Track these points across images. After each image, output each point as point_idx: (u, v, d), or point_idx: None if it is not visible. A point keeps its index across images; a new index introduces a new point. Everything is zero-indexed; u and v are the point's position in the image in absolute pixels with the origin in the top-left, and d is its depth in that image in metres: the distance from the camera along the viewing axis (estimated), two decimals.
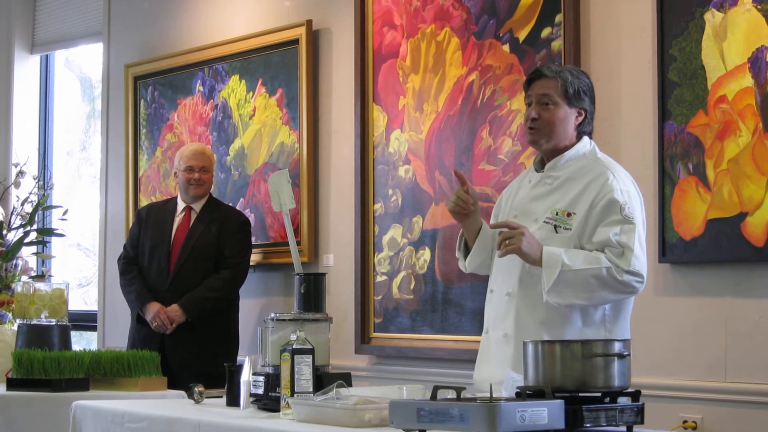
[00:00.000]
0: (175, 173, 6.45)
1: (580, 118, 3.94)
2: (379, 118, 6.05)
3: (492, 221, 4.10)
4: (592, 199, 3.82)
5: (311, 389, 3.78)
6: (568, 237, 3.82)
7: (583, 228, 3.81)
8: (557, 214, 3.86)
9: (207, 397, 4.37)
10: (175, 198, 6.53)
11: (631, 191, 3.86)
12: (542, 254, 3.77)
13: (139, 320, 6.32)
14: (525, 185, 4.05)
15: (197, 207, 6.39)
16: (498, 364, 3.90)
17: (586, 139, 3.97)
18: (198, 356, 6.14)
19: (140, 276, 6.37)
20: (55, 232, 7.27)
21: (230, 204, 6.77)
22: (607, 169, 3.86)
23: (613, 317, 3.87)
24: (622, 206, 3.78)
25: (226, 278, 6.26)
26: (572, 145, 3.94)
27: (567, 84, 3.91)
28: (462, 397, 3.09)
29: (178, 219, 6.39)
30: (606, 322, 3.86)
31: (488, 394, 3.06)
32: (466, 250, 4.16)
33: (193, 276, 6.24)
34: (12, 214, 6.88)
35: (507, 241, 3.79)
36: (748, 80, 4.48)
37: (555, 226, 3.85)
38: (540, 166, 4.00)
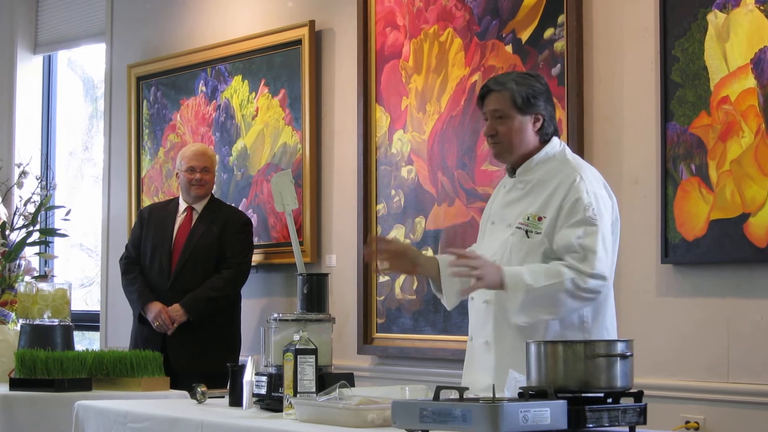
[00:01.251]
0: (177, 174, 6.46)
1: (538, 124, 3.91)
2: (381, 118, 6.06)
3: (481, 227, 4.11)
4: (560, 202, 3.80)
5: (314, 389, 3.78)
6: (538, 241, 3.81)
7: (552, 230, 3.80)
8: (528, 218, 3.84)
9: (210, 397, 4.37)
10: (177, 198, 6.53)
11: (599, 192, 3.82)
12: (504, 278, 3.74)
13: (141, 320, 6.33)
14: (501, 191, 4.05)
15: (199, 207, 6.39)
16: (482, 371, 3.92)
17: (555, 140, 3.95)
18: (200, 356, 6.15)
19: (142, 276, 6.37)
20: (57, 232, 7.27)
21: (232, 204, 6.77)
22: (575, 171, 3.84)
23: (593, 319, 3.84)
24: (586, 207, 3.75)
25: (227, 278, 6.26)
26: (538, 149, 3.93)
27: (514, 94, 3.88)
28: (465, 397, 3.10)
29: (179, 219, 6.40)
30: (585, 323, 3.84)
31: (491, 395, 3.06)
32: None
33: (194, 276, 6.25)
34: (15, 214, 6.88)
35: (461, 272, 3.80)
36: (750, 81, 4.48)
37: (526, 231, 3.84)
38: (512, 171, 4.00)
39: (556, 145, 3.94)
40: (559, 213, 3.79)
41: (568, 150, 3.97)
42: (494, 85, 3.93)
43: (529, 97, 3.89)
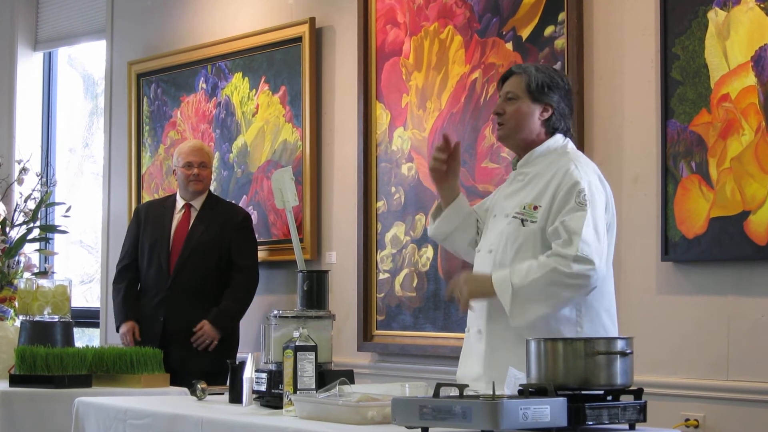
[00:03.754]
0: (174, 170, 6.46)
1: (546, 114, 3.93)
2: (382, 115, 6.06)
3: (485, 222, 4.12)
4: (554, 190, 3.81)
5: (314, 386, 3.78)
6: (534, 230, 3.82)
7: (547, 219, 3.81)
8: (524, 208, 3.87)
9: (209, 394, 4.37)
10: (174, 195, 6.52)
11: (593, 181, 3.83)
12: (492, 284, 3.77)
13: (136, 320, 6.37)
14: (504, 185, 4.08)
15: (197, 204, 6.38)
16: (474, 360, 3.94)
17: (558, 136, 3.96)
18: (197, 354, 6.15)
19: (126, 288, 6.40)
20: (57, 229, 7.28)
21: (232, 201, 6.77)
22: (571, 161, 3.85)
23: (585, 314, 3.84)
24: (578, 192, 3.75)
25: (245, 286, 6.28)
26: (542, 141, 3.95)
27: (530, 78, 3.92)
28: (465, 394, 3.10)
29: (177, 217, 6.39)
30: (579, 317, 3.83)
31: (491, 392, 3.07)
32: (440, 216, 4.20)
33: (194, 274, 6.24)
34: (15, 210, 6.88)
35: (456, 296, 3.87)
36: (751, 79, 4.48)
37: (522, 220, 3.86)
38: (516, 164, 4.03)
39: (559, 140, 3.96)
40: (553, 201, 3.81)
41: (570, 145, 3.98)
42: (517, 68, 3.97)
43: (544, 85, 3.92)
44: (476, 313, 3.95)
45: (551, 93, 3.92)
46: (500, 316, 3.83)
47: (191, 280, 6.24)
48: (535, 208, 3.84)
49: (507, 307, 3.75)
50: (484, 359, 3.87)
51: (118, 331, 6.38)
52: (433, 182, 4.22)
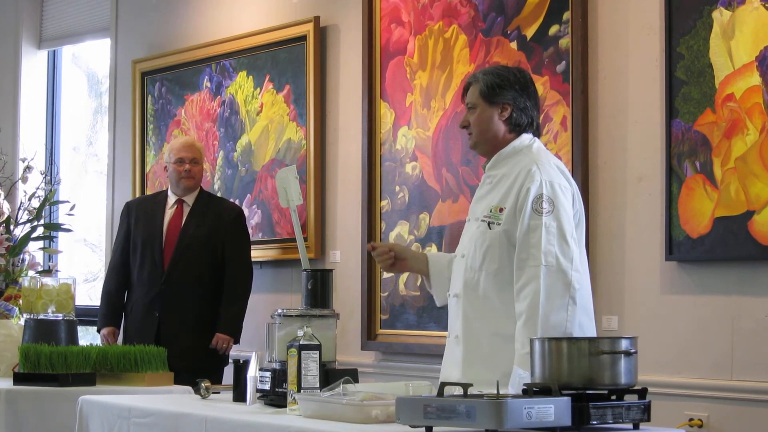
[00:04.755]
0: (165, 167, 6.47)
1: (506, 113, 3.94)
2: (386, 114, 6.06)
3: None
4: (518, 190, 3.83)
5: (318, 385, 3.78)
6: (499, 232, 3.84)
7: (512, 220, 3.82)
8: (491, 211, 3.89)
9: (213, 393, 4.37)
10: (165, 191, 6.53)
11: (555, 179, 3.82)
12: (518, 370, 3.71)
13: (130, 315, 6.39)
14: (477, 188, 4.10)
15: (189, 200, 6.39)
16: (453, 365, 3.97)
17: (525, 135, 3.96)
18: (192, 350, 6.16)
19: (114, 293, 6.46)
20: (62, 227, 7.27)
21: (236, 200, 6.78)
22: (533, 161, 3.86)
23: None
24: (536, 198, 3.77)
25: (241, 284, 6.30)
26: (509, 141, 3.96)
27: (481, 84, 3.95)
28: (469, 393, 3.10)
29: (169, 212, 6.40)
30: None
31: (495, 391, 3.07)
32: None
33: (189, 270, 6.26)
34: (19, 209, 6.88)
35: None
36: (755, 78, 4.48)
37: (489, 223, 3.88)
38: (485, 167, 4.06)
39: (526, 139, 3.96)
40: (516, 202, 3.82)
41: (537, 143, 3.98)
42: (471, 78, 4.02)
43: (494, 86, 3.93)
44: (452, 318, 4.00)
45: (504, 92, 3.93)
46: (474, 322, 3.88)
47: (186, 275, 6.26)
48: (501, 210, 3.86)
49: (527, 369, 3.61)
50: (462, 364, 3.90)
51: (99, 331, 6.49)
52: (401, 272, 4.32)
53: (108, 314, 6.47)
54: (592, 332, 3.84)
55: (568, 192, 3.84)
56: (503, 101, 3.93)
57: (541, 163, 3.85)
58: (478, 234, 3.88)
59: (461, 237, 4.09)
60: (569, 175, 3.93)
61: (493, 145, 3.97)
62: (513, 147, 3.95)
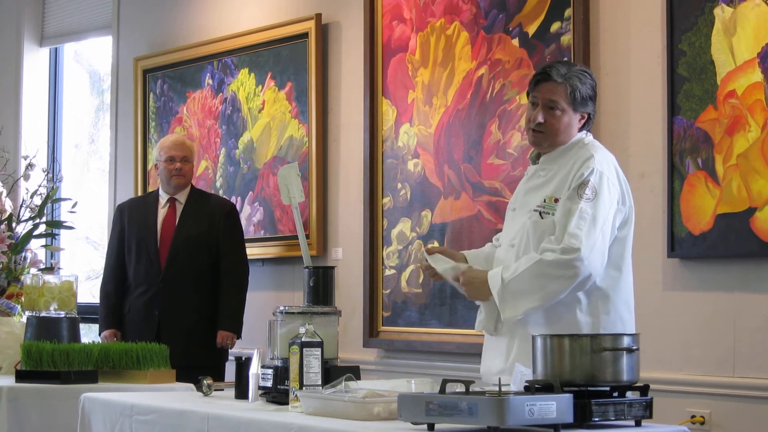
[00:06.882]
0: (156, 165, 6.47)
1: (583, 121, 3.96)
2: (388, 111, 6.06)
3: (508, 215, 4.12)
4: (570, 181, 3.83)
5: (320, 382, 3.78)
6: (552, 221, 3.84)
7: None
8: (545, 201, 3.89)
9: (216, 390, 4.37)
10: (156, 191, 6.53)
11: (606, 171, 3.83)
12: (487, 281, 3.83)
13: (129, 315, 6.39)
14: (524, 180, 4.08)
15: (181, 198, 6.39)
16: (496, 355, 3.95)
17: (582, 132, 3.98)
18: (192, 347, 6.16)
19: (112, 296, 6.45)
20: (64, 224, 7.27)
21: (237, 197, 6.77)
22: (589, 151, 3.87)
23: (601, 306, 3.84)
24: (582, 184, 3.78)
25: (238, 279, 6.31)
26: (570, 139, 3.96)
27: (576, 91, 3.89)
28: (471, 390, 3.10)
29: (162, 211, 6.40)
30: (595, 308, 3.83)
31: (497, 388, 3.07)
32: None
33: (186, 267, 6.26)
34: (21, 206, 6.88)
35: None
36: (757, 75, 4.48)
37: (541, 213, 3.87)
38: (536, 158, 4.04)
39: (582, 134, 3.97)
40: (569, 191, 3.83)
41: (589, 137, 3.99)
42: (557, 76, 3.90)
43: (587, 96, 3.93)
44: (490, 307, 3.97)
45: (590, 102, 3.94)
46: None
47: (183, 273, 6.26)
48: (556, 200, 3.86)
49: (497, 299, 3.79)
50: (505, 352, 3.89)
51: (99, 334, 6.49)
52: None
53: (108, 317, 6.46)
54: (631, 327, 3.86)
55: (615, 189, 3.84)
56: (586, 111, 3.94)
57: (596, 153, 3.86)
58: (530, 224, 3.88)
59: (505, 226, 4.09)
60: (622, 174, 3.92)
61: (559, 144, 3.96)
62: (572, 141, 3.95)
